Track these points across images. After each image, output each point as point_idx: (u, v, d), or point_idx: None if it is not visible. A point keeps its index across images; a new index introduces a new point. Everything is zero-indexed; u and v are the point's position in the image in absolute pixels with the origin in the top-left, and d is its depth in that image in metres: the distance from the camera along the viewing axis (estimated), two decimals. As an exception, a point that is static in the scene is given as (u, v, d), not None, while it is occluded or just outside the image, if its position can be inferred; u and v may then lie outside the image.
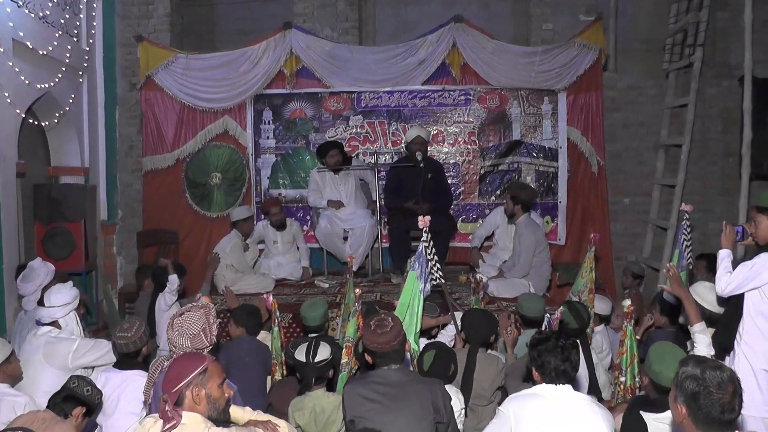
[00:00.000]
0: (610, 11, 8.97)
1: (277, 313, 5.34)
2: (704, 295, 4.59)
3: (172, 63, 8.69)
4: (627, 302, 4.94)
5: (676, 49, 8.92)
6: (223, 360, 5.15)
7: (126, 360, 4.21)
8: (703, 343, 4.26)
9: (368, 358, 3.66)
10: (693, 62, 8.36)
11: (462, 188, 8.73)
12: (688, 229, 5.80)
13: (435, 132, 8.68)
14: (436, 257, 5.20)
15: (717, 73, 8.99)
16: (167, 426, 2.80)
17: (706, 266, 7.03)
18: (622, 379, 4.87)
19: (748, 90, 7.35)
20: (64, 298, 4.89)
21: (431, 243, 5.17)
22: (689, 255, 5.75)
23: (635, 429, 3.55)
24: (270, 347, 5.29)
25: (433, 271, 5.18)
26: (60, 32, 7.59)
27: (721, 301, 4.55)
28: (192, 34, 9.92)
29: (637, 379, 4.81)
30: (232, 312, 5.58)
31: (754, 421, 4.03)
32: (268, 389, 5.15)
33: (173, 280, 6.03)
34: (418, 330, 4.86)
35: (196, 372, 2.88)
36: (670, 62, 8.96)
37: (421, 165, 7.56)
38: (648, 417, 3.54)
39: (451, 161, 8.72)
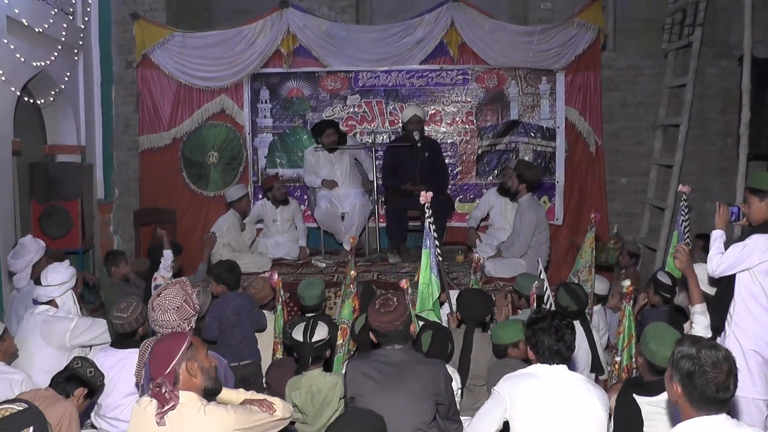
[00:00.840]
0: (610, -11, 8.92)
1: (281, 292, 5.38)
2: (699, 275, 4.59)
3: (168, 41, 8.64)
4: (626, 282, 4.95)
5: (676, 28, 8.88)
6: (210, 319, 5.28)
7: (123, 339, 4.21)
8: (701, 324, 4.27)
9: (373, 337, 3.67)
10: (692, 42, 8.32)
11: (459, 168, 8.72)
12: (686, 210, 5.82)
13: (432, 111, 8.66)
14: (436, 234, 5.21)
15: (716, 53, 8.95)
16: (166, 408, 2.81)
17: (702, 246, 7.04)
18: (618, 358, 4.90)
19: (747, 70, 7.34)
20: (61, 277, 4.89)
21: (433, 219, 5.19)
22: (687, 235, 5.78)
23: (629, 411, 3.56)
24: (273, 326, 5.33)
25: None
26: (55, 10, 7.53)
27: (713, 281, 4.56)
28: (188, 12, 9.83)
29: (633, 359, 4.83)
30: (210, 270, 5.63)
31: (744, 401, 4.07)
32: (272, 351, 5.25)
33: (167, 255, 5.96)
34: (436, 299, 5.00)
35: (183, 348, 2.91)
36: (669, 42, 8.92)
37: (419, 144, 7.55)
38: (641, 400, 3.55)
39: (449, 141, 8.70)
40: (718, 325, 4.35)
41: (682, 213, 5.86)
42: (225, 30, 8.75)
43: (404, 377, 3.47)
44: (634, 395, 3.58)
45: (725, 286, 4.36)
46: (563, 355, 3.38)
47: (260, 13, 8.69)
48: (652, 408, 3.49)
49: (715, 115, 9.03)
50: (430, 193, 5.13)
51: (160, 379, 2.83)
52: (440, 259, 5.30)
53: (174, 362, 2.87)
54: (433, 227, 5.15)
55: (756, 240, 4.15)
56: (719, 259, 4.21)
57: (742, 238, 4.37)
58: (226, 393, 3.22)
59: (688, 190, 5.87)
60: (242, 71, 8.66)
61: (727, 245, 4.30)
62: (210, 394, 3.01)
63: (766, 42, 8.35)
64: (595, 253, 5.79)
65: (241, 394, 3.27)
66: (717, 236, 4.33)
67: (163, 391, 2.80)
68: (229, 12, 9.81)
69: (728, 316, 4.27)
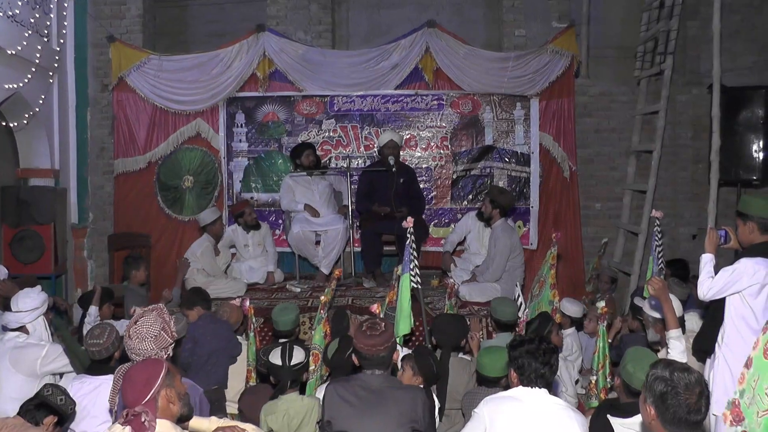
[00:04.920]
0: (583, 18, 9.04)
1: (253, 319, 5.35)
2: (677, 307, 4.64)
3: (144, 64, 8.64)
4: (601, 304, 5.00)
5: (647, 56, 9.02)
6: (187, 344, 5.24)
7: (98, 366, 4.16)
8: (677, 349, 4.30)
9: (355, 359, 3.66)
10: (663, 70, 8.46)
11: (434, 193, 8.75)
12: (660, 235, 5.89)
13: (407, 136, 8.69)
14: (415, 261, 5.24)
15: (687, 81, 9.10)
16: None
17: (672, 272, 7.11)
18: (593, 378, 4.93)
19: (717, 98, 7.45)
20: (32, 302, 4.82)
21: (413, 244, 5.24)
22: (661, 260, 5.84)
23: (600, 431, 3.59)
24: (246, 353, 5.30)
25: (412, 274, 5.21)
26: (30, 31, 7.50)
27: (702, 305, 4.61)
28: (165, 36, 9.85)
29: (608, 380, 4.86)
30: (182, 300, 5.62)
31: None
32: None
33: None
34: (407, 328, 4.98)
35: (163, 374, 2.88)
36: (642, 69, 9.05)
37: (394, 169, 7.58)
38: (615, 421, 3.58)
39: (424, 166, 8.74)
40: (708, 348, 4.38)
41: (656, 238, 5.92)
42: (201, 53, 8.76)
43: (381, 403, 3.46)
44: (609, 416, 3.61)
45: (714, 309, 4.39)
46: (547, 379, 3.39)
47: (237, 36, 8.72)
48: (626, 430, 3.52)
49: (686, 142, 9.15)
50: (412, 219, 5.20)
51: (140, 407, 2.78)
52: (419, 286, 5.30)
53: (154, 389, 2.83)
54: (412, 251, 5.19)
55: (744, 264, 4.19)
56: (710, 284, 4.24)
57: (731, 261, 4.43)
58: (197, 421, 3.18)
59: (661, 215, 5.94)
60: (218, 95, 8.67)
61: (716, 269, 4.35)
62: (182, 420, 2.98)
63: (735, 71, 8.50)
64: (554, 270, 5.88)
65: (213, 423, 3.24)
66: (707, 261, 4.36)
67: (143, 420, 2.75)
68: (205, 35, 9.84)
69: (719, 338, 4.29)
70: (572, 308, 5.97)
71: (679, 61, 8.81)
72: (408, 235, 5.25)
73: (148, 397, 2.81)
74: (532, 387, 3.37)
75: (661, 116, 8.45)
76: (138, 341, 3.39)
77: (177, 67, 8.71)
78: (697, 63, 9.06)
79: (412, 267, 5.20)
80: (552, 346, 3.47)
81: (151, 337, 3.39)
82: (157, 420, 2.82)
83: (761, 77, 8.73)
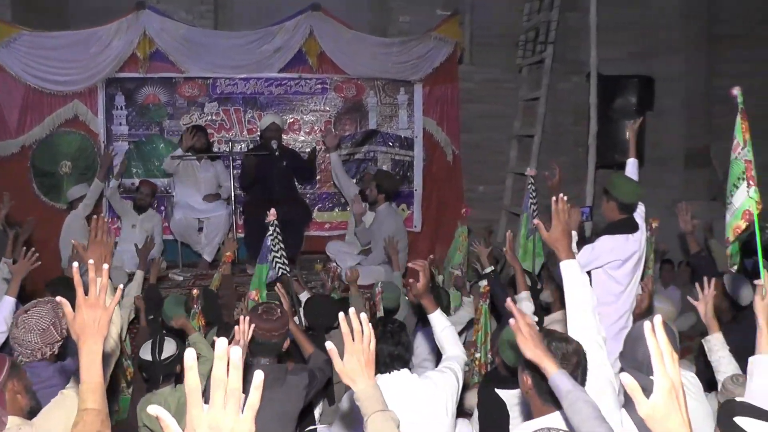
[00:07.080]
0: (467, 6, 9.18)
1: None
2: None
3: (14, 40, 8.10)
4: (483, 282, 5.10)
5: (529, 45, 9.26)
6: None
7: None
8: (528, 310, 4.39)
9: None
10: (544, 59, 8.70)
11: (318, 177, 8.71)
12: (534, 193, 6.08)
13: (291, 120, 8.63)
14: (282, 251, 5.20)
15: (568, 70, 9.38)
16: None
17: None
18: (477, 355, 5.04)
19: (594, 86, 7.72)
20: None
21: (278, 236, 5.21)
22: (536, 215, 6.03)
23: (492, 405, 3.63)
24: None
25: (277, 263, 5.20)
26: None
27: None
28: (37, 10, 9.28)
29: (489, 356, 4.97)
30: (48, 285, 5.31)
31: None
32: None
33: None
34: None
35: (7, 367, 2.73)
36: (524, 58, 9.30)
37: (277, 153, 7.50)
38: (506, 394, 3.61)
39: (307, 150, 8.57)
40: None
41: (531, 196, 6.12)
42: (78, 31, 8.35)
43: (265, 403, 3.36)
44: (497, 390, 3.63)
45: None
46: (404, 358, 3.36)
47: (119, 14, 8.36)
48: (508, 400, 3.59)
49: (567, 128, 9.46)
50: (273, 210, 5.16)
51: None
52: (285, 271, 5.27)
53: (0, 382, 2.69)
54: (272, 244, 5.16)
55: (604, 241, 4.44)
56: None
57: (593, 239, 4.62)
58: None
59: (534, 173, 6.16)
60: (96, 75, 8.29)
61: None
62: (32, 413, 2.85)
63: (611, 61, 8.80)
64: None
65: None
66: None
67: None
68: (84, 12, 9.35)
69: None
70: None
71: (560, 50, 9.05)
72: (270, 227, 5.21)
73: None
74: (390, 372, 3.31)
75: (541, 103, 8.69)
76: (24, 332, 3.24)
77: (52, 44, 8.26)
78: (576, 53, 9.32)
79: (273, 258, 5.19)
80: (397, 324, 3.46)
81: (39, 330, 3.24)
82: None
83: (635, 67, 9.14)
